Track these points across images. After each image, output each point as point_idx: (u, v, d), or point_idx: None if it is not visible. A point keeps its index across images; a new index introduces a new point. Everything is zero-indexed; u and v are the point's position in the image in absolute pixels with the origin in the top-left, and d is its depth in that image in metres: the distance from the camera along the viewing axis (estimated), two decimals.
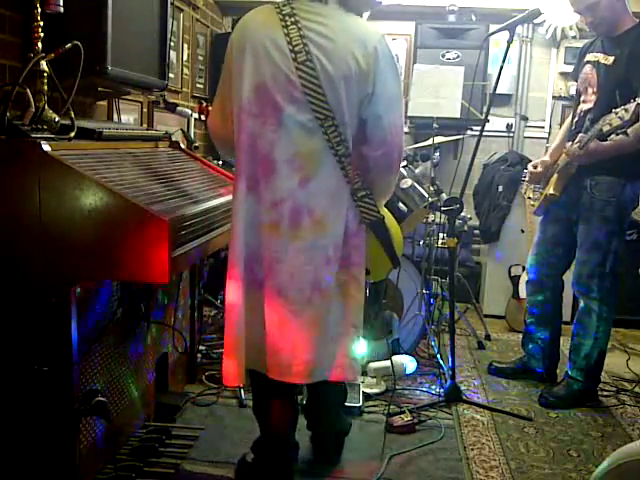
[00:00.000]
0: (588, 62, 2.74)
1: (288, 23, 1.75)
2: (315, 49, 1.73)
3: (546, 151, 3.19)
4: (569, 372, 2.86)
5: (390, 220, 2.12)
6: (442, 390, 2.80)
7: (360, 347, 1.97)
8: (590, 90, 2.70)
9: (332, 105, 1.74)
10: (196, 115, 3.85)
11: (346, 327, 1.91)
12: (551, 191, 2.76)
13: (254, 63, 1.77)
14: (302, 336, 1.84)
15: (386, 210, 2.10)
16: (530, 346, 3.06)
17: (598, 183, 2.66)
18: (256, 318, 1.85)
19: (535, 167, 2.94)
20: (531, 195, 3.04)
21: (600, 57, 2.67)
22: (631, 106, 2.35)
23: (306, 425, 2.24)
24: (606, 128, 2.43)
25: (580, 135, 2.53)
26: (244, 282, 1.84)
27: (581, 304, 2.83)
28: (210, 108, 3.00)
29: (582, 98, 2.75)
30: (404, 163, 3.09)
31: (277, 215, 1.79)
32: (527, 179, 3.01)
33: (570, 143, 2.64)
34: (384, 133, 1.82)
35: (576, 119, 2.78)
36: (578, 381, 2.82)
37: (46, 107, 1.68)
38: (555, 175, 2.79)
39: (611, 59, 2.61)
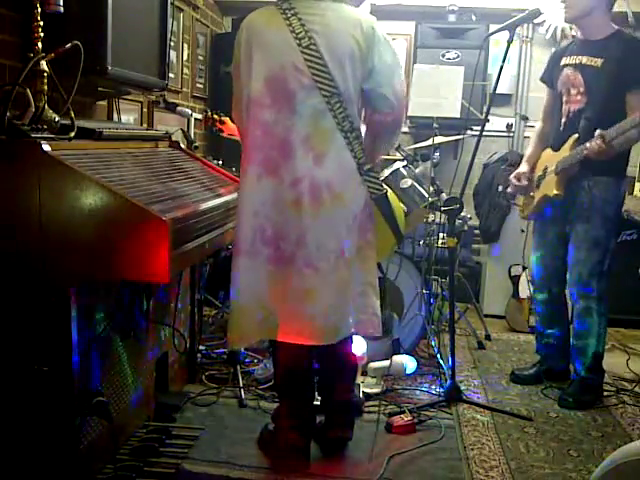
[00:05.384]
0: (567, 65, 2.81)
1: (289, 15, 1.93)
2: (316, 35, 1.91)
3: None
4: (580, 372, 2.85)
5: (392, 196, 2.27)
6: (442, 390, 2.80)
7: (376, 303, 2.12)
8: (574, 91, 2.76)
9: (338, 82, 1.92)
10: (198, 115, 3.86)
11: (365, 287, 2.09)
12: (555, 192, 2.75)
13: (263, 58, 1.94)
14: (330, 301, 1.99)
15: (387, 187, 2.23)
16: (544, 347, 3.08)
17: (597, 183, 2.70)
18: (275, 290, 1.99)
19: (519, 180, 2.98)
20: (520, 202, 3.07)
21: (584, 59, 2.74)
22: None
23: (320, 402, 2.31)
24: (629, 125, 2.48)
25: (599, 131, 2.53)
26: (266, 259, 1.98)
27: (580, 305, 2.81)
28: (215, 116, 3.13)
29: (564, 99, 2.81)
30: (404, 163, 3.10)
31: (298, 193, 1.94)
32: (513, 191, 3.06)
33: (589, 142, 2.59)
34: (390, 101, 2.03)
35: (564, 119, 2.81)
36: (591, 378, 2.84)
37: (46, 107, 1.68)
38: (554, 177, 2.79)
39: (599, 61, 2.68)
